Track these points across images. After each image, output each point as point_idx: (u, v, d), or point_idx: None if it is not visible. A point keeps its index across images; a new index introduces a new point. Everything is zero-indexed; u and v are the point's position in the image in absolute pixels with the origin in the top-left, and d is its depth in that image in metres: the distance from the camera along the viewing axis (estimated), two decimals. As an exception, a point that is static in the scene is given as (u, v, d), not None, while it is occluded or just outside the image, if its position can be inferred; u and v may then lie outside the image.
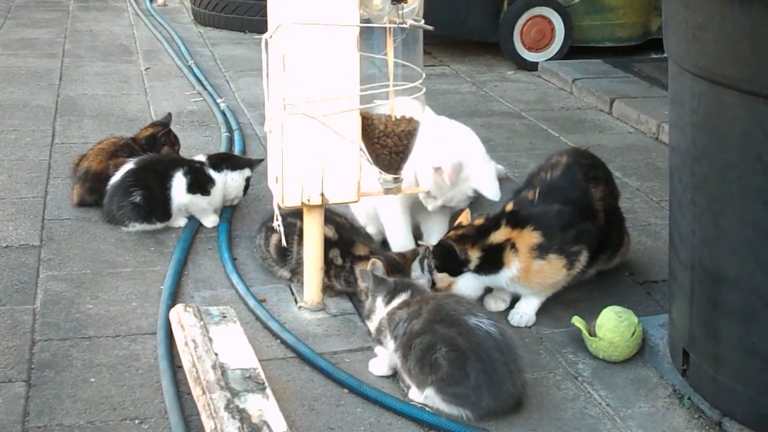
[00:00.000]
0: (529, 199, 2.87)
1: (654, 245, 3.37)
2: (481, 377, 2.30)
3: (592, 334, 2.65)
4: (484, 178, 2.99)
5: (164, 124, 3.88)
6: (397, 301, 2.50)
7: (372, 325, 2.54)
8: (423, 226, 3.20)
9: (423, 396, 2.37)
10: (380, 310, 2.52)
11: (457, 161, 2.91)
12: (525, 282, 2.79)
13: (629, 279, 3.14)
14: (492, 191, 2.97)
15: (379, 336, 2.48)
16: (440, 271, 2.81)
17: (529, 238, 2.76)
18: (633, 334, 2.62)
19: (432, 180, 2.93)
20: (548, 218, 2.79)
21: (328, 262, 2.88)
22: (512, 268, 2.76)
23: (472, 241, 2.80)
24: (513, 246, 2.77)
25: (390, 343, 2.45)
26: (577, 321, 2.69)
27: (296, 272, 2.97)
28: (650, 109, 4.88)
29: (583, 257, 2.80)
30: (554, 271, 2.78)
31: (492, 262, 2.78)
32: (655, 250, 3.32)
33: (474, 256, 2.79)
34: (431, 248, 2.84)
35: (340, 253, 2.92)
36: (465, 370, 2.30)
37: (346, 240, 2.95)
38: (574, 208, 2.83)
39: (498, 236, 2.79)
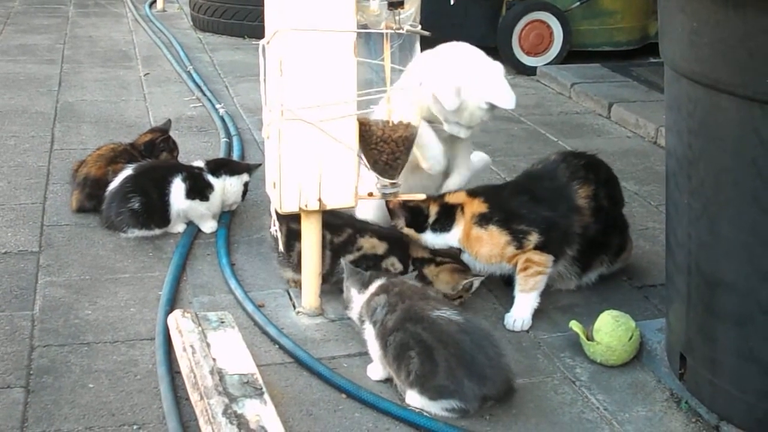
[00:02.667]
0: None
1: (652, 249, 3.37)
2: (451, 360, 2.30)
3: (590, 338, 2.65)
4: (494, 88, 2.95)
5: (163, 130, 3.88)
6: (373, 287, 2.53)
7: (352, 314, 2.59)
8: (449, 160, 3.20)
9: (415, 401, 2.38)
10: (357, 299, 2.55)
11: (455, 86, 2.87)
12: (467, 247, 2.91)
13: (627, 283, 3.14)
14: (505, 100, 2.96)
15: (362, 324, 2.52)
16: (407, 226, 2.96)
17: (477, 206, 2.91)
18: (630, 338, 2.62)
19: (442, 107, 2.89)
20: (500, 196, 2.94)
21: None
22: (459, 230, 2.91)
23: (434, 199, 2.98)
24: (462, 210, 2.93)
25: (369, 328, 2.47)
26: (574, 325, 2.69)
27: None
28: (648, 114, 4.88)
29: (534, 238, 2.84)
30: (495, 243, 2.86)
31: (445, 220, 2.94)
32: (652, 254, 3.32)
33: (433, 210, 2.95)
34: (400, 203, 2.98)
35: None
36: (433, 359, 2.31)
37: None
38: (540, 196, 2.91)
39: (453, 198, 2.97)
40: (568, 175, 2.93)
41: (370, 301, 2.50)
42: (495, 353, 2.37)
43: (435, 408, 2.36)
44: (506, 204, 2.90)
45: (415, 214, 2.96)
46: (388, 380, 2.52)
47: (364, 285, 2.57)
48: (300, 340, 2.71)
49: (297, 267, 2.92)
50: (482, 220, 2.88)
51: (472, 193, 2.97)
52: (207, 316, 2.65)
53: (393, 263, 2.89)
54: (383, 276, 2.59)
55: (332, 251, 2.88)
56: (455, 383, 2.31)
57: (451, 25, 5.92)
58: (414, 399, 2.38)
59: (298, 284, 2.96)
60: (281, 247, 2.87)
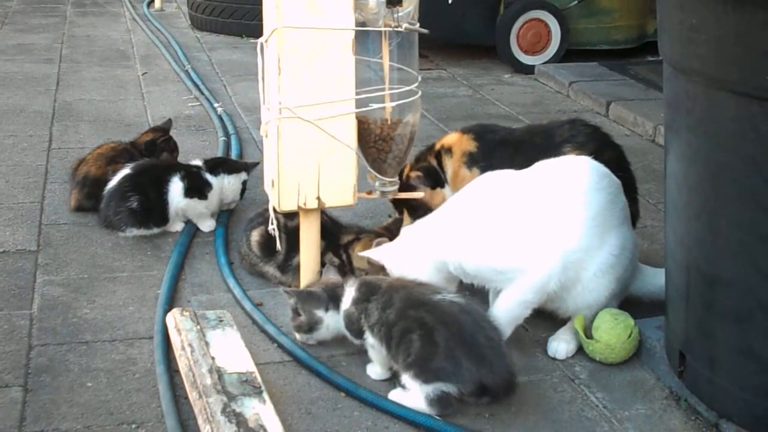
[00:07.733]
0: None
1: (651, 248, 3.37)
2: (451, 340, 2.29)
3: (589, 336, 2.65)
4: None
5: (164, 130, 3.88)
6: (349, 296, 2.53)
7: (319, 336, 2.61)
8: None
9: (408, 395, 2.37)
10: (330, 317, 2.56)
11: None
12: (455, 189, 2.86)
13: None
14: None
15: (354, 329, 2.50)
16: (433, 188, 2.95)
17: (467, 144, 2.88)
18: (629, 336, 2.62)
19: None
20: (489, 138, 2.91)
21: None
22: (448, 171, 2.89)
23: (427, 152, 3.00)
24: (449, 150, 2.92)
25: (368, 334, 2.46)
26: (576, 322, 2.68)
27: (285, 269, 2.98)
28: (646, 112, 4.88)
29: None
30: None
31: (440, 167, 2.94)
32: (651, 252, 3.32)
33: (434, 163, 2.97)
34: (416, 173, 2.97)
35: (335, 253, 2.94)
36: (433, 339, 2.30)
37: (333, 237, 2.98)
38: (525, 150, 2.86)
39: (443, 141, 2.98)
40: (564, 137, 2.90)
41: (359, 305, 2.49)
42: (496, 336, 2.36)
43: (428, 390, 2.32)
44: (494, 148, 2.87)
45: (431, 173, 2.94)
46: (387, 379, 2.52)
47: (333, 299, 2.56)
48: (299, 338, 2.71)
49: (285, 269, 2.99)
50: (472, 160, 2.85)
51: (466, 129, 2.98)
52: (205, 314, 2.65)
53: (331, 258, 2.91)
54: (354, 282, 2.58)
55: (286, 234, 2.92)
56: (453, 364, 2.29)
57: (449, 24, 5.93)
58: (406, 383, 2.35)
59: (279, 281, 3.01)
60: (279, 246, 2.86)
